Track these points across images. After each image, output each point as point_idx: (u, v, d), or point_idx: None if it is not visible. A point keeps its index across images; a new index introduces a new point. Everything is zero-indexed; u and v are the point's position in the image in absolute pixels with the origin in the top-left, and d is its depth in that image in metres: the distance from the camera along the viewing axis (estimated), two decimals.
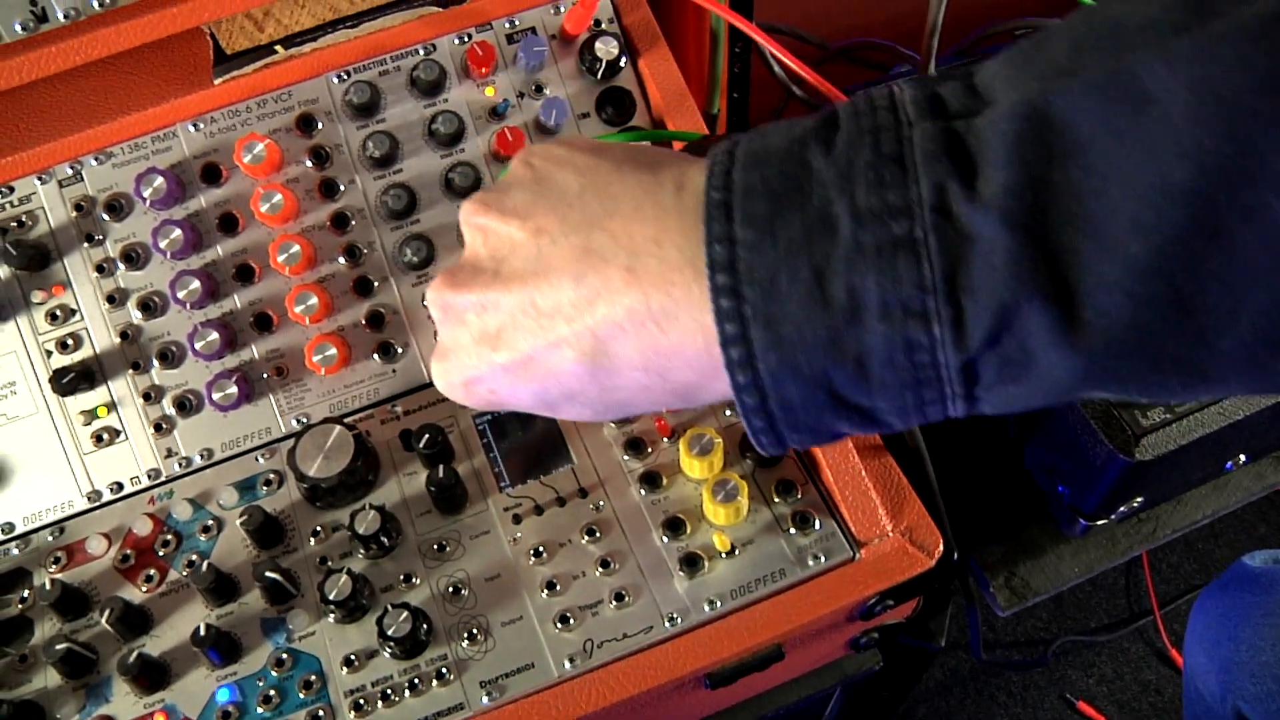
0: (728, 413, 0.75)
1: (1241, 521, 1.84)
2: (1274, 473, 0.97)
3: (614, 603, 0.69)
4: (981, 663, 1.74)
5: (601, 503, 0.72)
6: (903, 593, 0.71)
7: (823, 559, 0.69)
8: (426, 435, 0.72)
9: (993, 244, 0.36)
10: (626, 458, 0.74)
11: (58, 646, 0.66)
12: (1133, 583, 1.79)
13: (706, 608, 0.68)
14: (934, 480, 0.72)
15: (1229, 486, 0.97)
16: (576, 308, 0.46)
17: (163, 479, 0.75)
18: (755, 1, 0.90)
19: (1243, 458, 0.92)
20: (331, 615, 0.69)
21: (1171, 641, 1.74)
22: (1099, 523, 0.88)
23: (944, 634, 0.89)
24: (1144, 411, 0.79)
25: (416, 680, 0.67)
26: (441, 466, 0.71)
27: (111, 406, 0.75)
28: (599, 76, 0.80)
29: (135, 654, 0.67)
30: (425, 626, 0.68)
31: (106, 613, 0.68)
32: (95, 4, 0.70)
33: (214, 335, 0.74)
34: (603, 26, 0.81)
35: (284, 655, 0.68)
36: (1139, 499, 0.88)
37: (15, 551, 0.74)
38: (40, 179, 0.76)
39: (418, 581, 0.70)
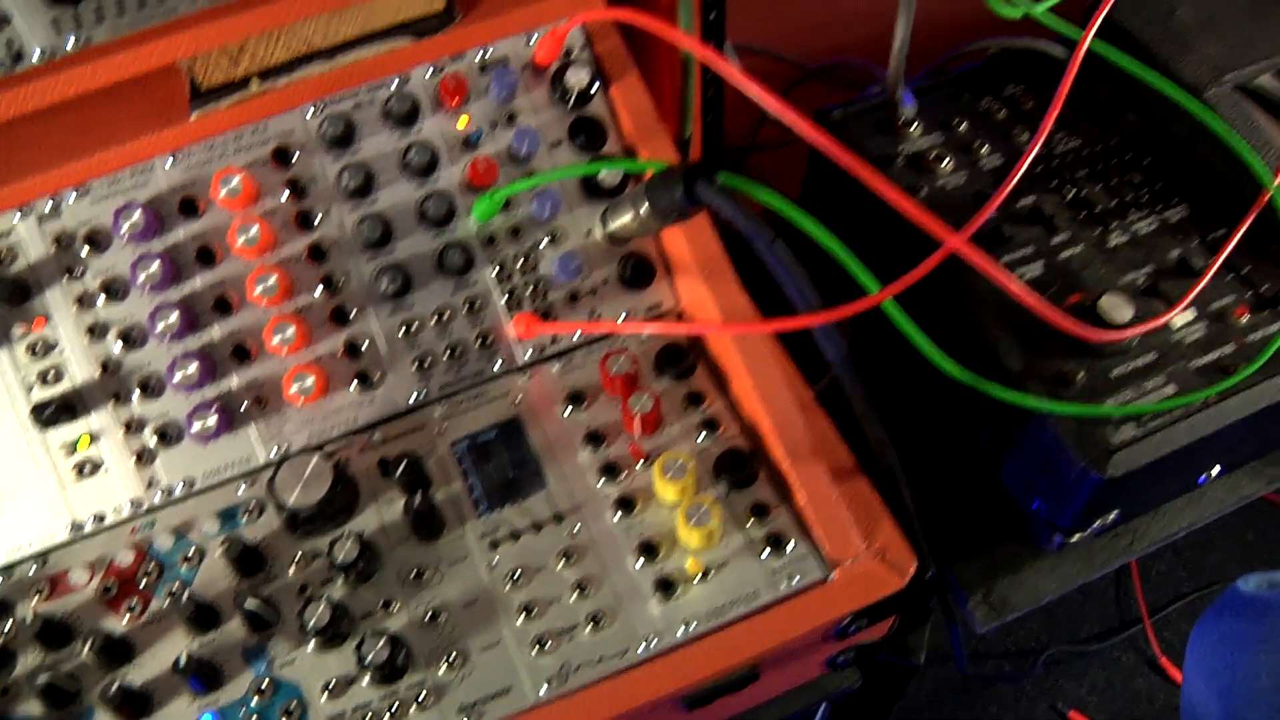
0: (699, 438, 0.76)
1: (1229, 529, 1.85)
2: (1248, 484, 0.98)
3: (590, 626, 0.69)
4: (968, 676, 1.74)
5: (577, 527, 0.73)
6: (876, 612, 0.72)
7: (795, 580, 0.70)
8: (404, 462, 0.73)
9: None
10: (601, 482, 0.74)
11: (40, 678, 0.67)
12: (1122, 591, 1.80)
13: (681, 630, 0.69)
14: (908, 498, 0.72)
15: (1204, 499, 0.98)
16: None
17: (145, 509, 0.76)
18: (731, 22, 0.91)
19: (1216, 470, 0.93)
20: (311, 643, 0.70)
21: (1162, 649, 1.75)
22: (1075, 538, 0.89)
23: (923, 650, 0.90)
24: (1115, 427, 0.79)
25: (396, 706, 0.68)
26: (419, 493, 0.72)
27: (93, 438, 0.76)
28: (570, 105, 0.81)
29: (117, 684, 0.67)
30: (404, 652, 0.69)
31: (88, 643, 0.68)
32: (69, 44, 0.71)
33: (194, 366, 0.75)
34: (573, 56, 0.82)
35: (265, 683, 0.69)
36: (1114, 513, 0.89)
37: None
38: (20, 213, 0.77)
39: (396, 608, 0.71)
